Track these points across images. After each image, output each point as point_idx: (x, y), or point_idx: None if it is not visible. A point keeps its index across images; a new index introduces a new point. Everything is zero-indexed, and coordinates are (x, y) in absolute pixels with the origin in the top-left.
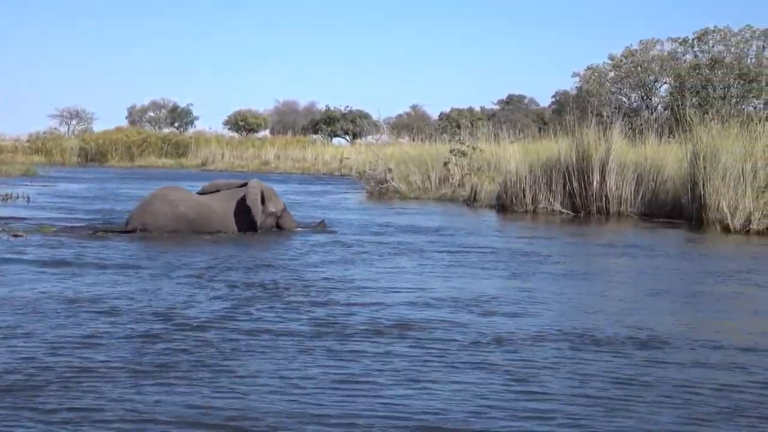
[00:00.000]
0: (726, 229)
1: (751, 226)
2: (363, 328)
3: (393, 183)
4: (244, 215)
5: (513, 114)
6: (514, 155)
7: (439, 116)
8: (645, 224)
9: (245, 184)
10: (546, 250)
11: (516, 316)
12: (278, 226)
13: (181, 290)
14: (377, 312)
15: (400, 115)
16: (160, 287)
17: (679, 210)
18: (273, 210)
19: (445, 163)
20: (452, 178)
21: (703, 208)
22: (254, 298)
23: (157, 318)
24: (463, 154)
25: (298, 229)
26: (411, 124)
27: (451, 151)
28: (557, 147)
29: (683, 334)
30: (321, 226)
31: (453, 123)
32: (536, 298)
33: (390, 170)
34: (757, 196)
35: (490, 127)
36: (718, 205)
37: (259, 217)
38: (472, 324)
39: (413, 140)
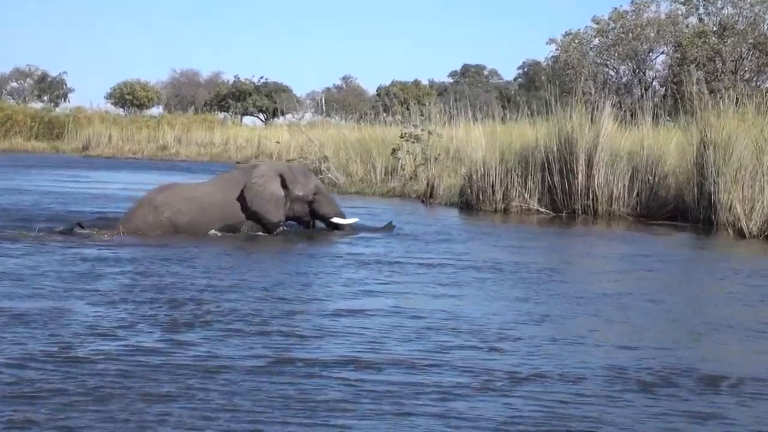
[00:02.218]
0: (740, 234)
1: None
2: (336, 370)
3: (330, 174)
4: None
5: (470, 89)
6: (480, 142)
7: (377, 91)
8: (643, 228)
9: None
10: (538, 260)
11: (532, 353)
12: (313, 214)
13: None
14: (356, 346)
15: (328, 89)
16: (69, 308)
17: (683, 210)
18: (300, 193)
19: (394, 151)
20: (402, 169)
21: (712, 208)
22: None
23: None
24: (417, 139)
25: (342, 221)
26: (342, 101)
27: (401, 136)
28: (534, 132)
29: (739, 369)
30: (388, 228)
31: (395, 100)
32: (548, 326)
33: (326, 158)
34: None
35: (443, 105)
36: (731, 205)
37: (273, 215)
38: (477, 360)
39: (345, 120)
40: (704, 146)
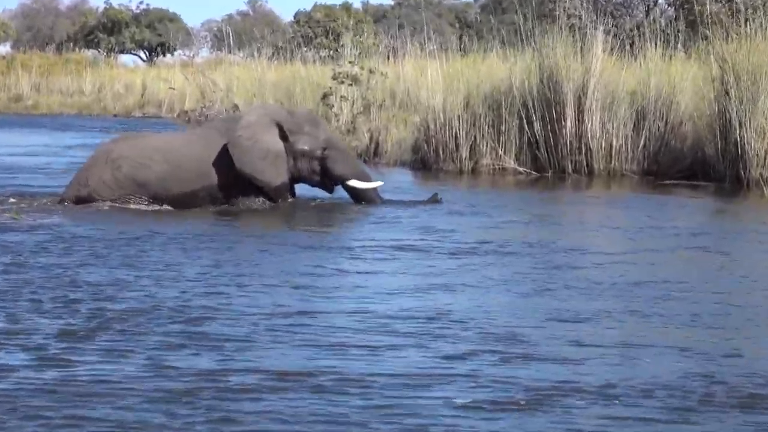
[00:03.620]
0: None
1: None
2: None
3: None
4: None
5: (417, 12)
6: (437, 82)
7: (294, 17)
8: (653, 189)
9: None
10: (533, 239)
11: (564, 360)
12: (326, 173)
13: None
14: (348, 353)
15: (230, 17)
16: None
17: (702, 165)
18: (306, 147)
19: (325, 96)
20: (337, 120)
21: (741, 161)
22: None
23: None
24: (354, 80)
25: (361, 185)
26: (249, 32)
27: (333, 77)
28: (507, 69)
29: None
30: (434, 200)
31: (318, 29)
32: (575, 327)
33: (236, 107)
34: None
35: (383, 35)
36: (765, 157)
37: (269, 175)
38: (497, 375)
39: (256, 56)
40: (728, 82)
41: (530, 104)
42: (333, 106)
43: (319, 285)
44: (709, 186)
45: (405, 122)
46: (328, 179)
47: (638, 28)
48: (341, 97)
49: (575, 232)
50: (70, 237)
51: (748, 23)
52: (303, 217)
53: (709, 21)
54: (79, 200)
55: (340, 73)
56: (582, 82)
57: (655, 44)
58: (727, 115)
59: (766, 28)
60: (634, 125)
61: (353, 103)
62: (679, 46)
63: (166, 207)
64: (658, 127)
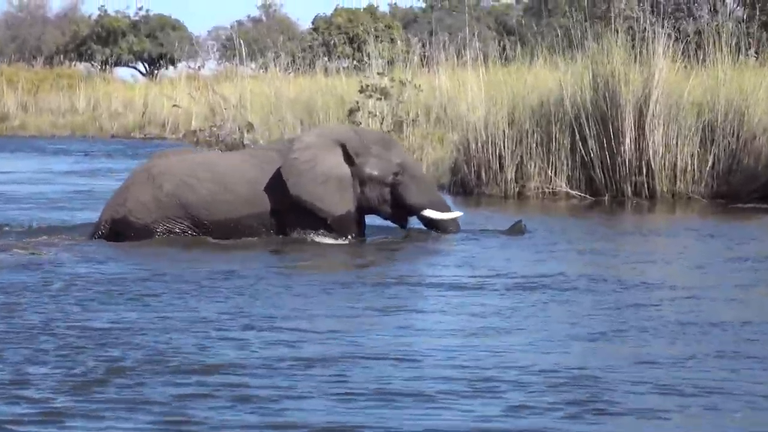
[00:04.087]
0: None
1: None
2: None
3: None
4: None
5: (450, 17)
6: (478, 94)
7: (313, 23)
8: (727, 214)
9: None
10: (603, 273)
11: (649, 411)
12: (398, 202)
13: None
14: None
15: (240, 23)
16: None
17: None
18: (375, 172)
19: (351, 112)
20: None
21: None
22: None
23: None
24: (384, 94)
25: (438, 216)
26: (262, 39)
27: (361, 90)
28: (557, 79)
29: None
30: (518, 229)
31: (341, 36)
32: (664, 374)
33: (251, 127)
34: None
35: (414, 42)
36: None
37: (330, 203)
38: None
39: (267, 69)
40: None
41: (583, 118)
42: (360, 123)
43: (361, 326)
44: None
45: (441, 141)
46: (400, 209)
47: (701, 33)
48: (369, 112)
49: (642, 264)
50: (81, 275)
51: None
52: (356, 250)
53: None
54: (115, 223)
55: (368, 85)
56: (643, 93)
57: (724, 49)
58: None
59: None
60: (702, 141)
61: (383, 120)
62: (751, 50)
63: (208, 235)
64: (729, 143)
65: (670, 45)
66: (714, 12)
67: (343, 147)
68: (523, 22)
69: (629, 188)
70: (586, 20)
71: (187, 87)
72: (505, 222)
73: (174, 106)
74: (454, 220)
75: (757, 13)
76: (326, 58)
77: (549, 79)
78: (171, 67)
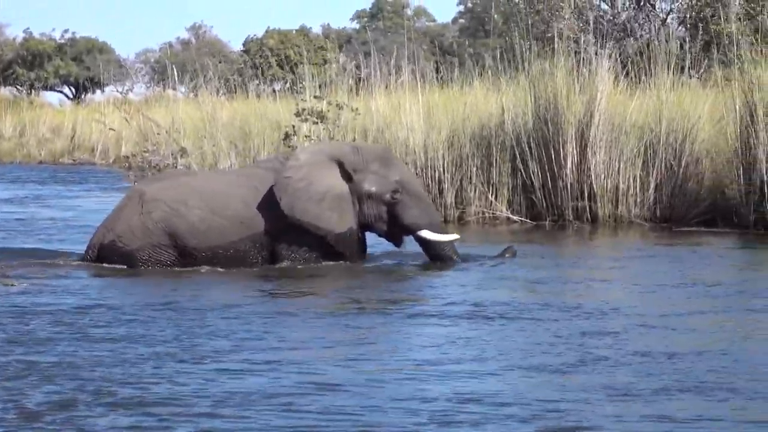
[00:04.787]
0: None
1: None
2: None
3: None
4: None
5: (386, 37)
6: (417, 118)
7: (244, 45)
8: (669, 239)
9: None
10: (557, 297)
11: None
12: (395, 221)
13: None
14: None
15: (169, 45)
16: None
17: (723, 210)
18: (372, 189)
19: (287, 136)
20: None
21: (766, 204)
22: None
23: None
24: (320, 117)
25: (434, 237)
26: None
27: (297, 114)
28: (498, 101)
29: None
30: (509, 254)
31: (273, 57)
32: (641, 406)
33: (184, 152)
34: None
35: (349, 63)
36: None
37: (328, 221)
38: None
39: (197, 93)
40: (752, 113)
41: (524, 142)
42: (296, 147)
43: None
44: (732, 233)
45: None
46: (397, 228)
47: (641, 54)
48: (305, 136)
49: (593, 290)
50: (64, 308)
51: None
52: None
53: (728, 42)
54: (102, 248)
55: (303, 109)
56: (585, 115)
57: (666, 70)
58: (753, 151)
59: None
60: (644, 164)
61: None
62: (693, 71)
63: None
64: (671, 165)
65: (612, 66)
66: (656, 31)
67: (340, 164)
68: (458, 43)
69: (570, 212)
70: (524, 41)
71: (118, 111)
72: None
73: (110, 129)
74: (450, 242)
75: (700, 33)
76: (257, 81)
77: (489, 101)
78: (98, 91)
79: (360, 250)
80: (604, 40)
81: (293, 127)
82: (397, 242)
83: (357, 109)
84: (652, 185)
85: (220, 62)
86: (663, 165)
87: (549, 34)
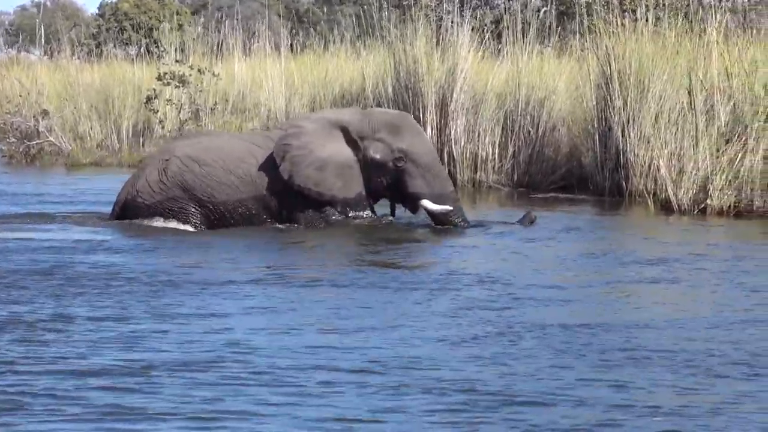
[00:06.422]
0: (667, 208)
1: (708, 201)
2: None
3: (52, 138)
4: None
5: (242, 5)
6: (279, 84)
7: (98, 9)
8: (525, 204)
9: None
10: (423, 263)
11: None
12: (400, 190)
13: None
14: None
15: (22, 9)
16: None
17: (579, 177)
18: (376, 156)
19: (149, 100)
20: (161, 126)
21: (620, 172)
22: None
23: None
24: (182, 82)
25: (433, 207)
26: (48, 26)
27: (159, 78)
28: (360, 68)
29: None
30: (529, 220)
31: (128, 22)
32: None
33: (45, 114)
34: (718, 151)
35: (206, 29)
36: (650, 167)
37: (330, 186)
38: None
39: (52, 56)
40: (609, 82)
41: (385, 107)
42: (157, 111)
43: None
44: (588, 199)
45: (240, 129)
46: (404, 197)
47: (498, 22)
48: (167, 100)
49: (455, 258)
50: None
51: (628, 14)
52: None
53: (585, 13)
54: (125, 205)
55: (165, 73)
56: (445, 83)
57: (522, 39)
58: (607, 120)
59: (652, 21)
60: (502, 130)
61: (180, 108)
62: (552, 41)
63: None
64: (529, 132)
65: (473, 35)
66: (510, 1)
67: (345, 131)
68: (314, 9)
69: None
70: (384, 8)
71: None
72: None
73: None
74: (457, 212)
75: (554, 3)
76: (112, 45)
77: (351, 69)
78: None
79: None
80: (465, 7)
81: (154, 90)
82: (412, 209)
83: (218, 74)
84: (511, 151)
85: (74, 26)
86: (521, 132)
87: (406, 2)
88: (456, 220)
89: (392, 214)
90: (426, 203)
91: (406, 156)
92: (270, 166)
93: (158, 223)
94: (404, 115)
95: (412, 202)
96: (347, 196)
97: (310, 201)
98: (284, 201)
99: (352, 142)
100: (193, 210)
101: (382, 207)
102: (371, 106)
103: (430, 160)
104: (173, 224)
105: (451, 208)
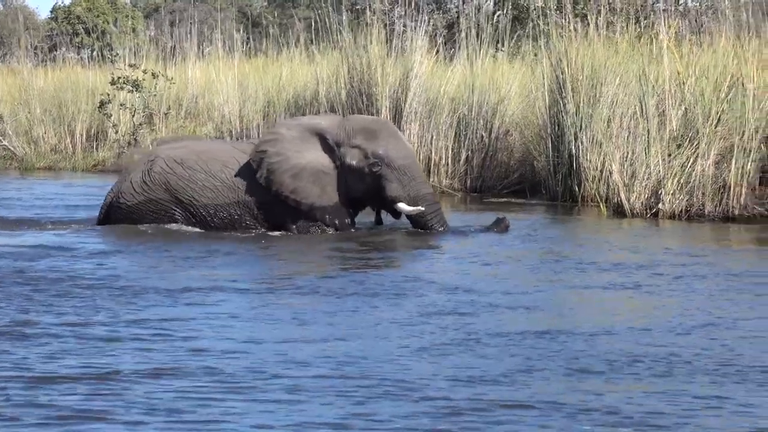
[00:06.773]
0: (619, 212)
1: (660, 206)
2: None
3: (6, 142)
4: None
5: (195, 8)
6: (232, 88)
7: (51, 13)
8: (477, 209)
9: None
10: (384, 270)
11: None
12: (380, 195)
13: None
14: None
15: None
16: None
17: (532, 181)
18: (352, 162)
19: (102, 104)
20: (116, 132)
21: (574, 176)
22: None
23: None
24: (136, 86)
25: (407, 209)
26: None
27: (112, 82)
28: (313, 72)
29: None
30: (503, 226)
31: (80, 25)
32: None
33: (0, 119)
34: (669, 155)
35: (160, 31)
36: (602, 172)
37: (306, 193)
38: None
39: (2, 59)
40: (560, 87)
41: (339, 112)
42: (111, 115)
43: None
44: (540, 204)
45: (194, 133)
46: (383, 201)
47: (451, 27)
48: (120, 105)
49: (410, 263)
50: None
51: (579, 20)
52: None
53: (539, 17)
54: (110, 207)
55: (119, 77)
56: (399, 88)
57: (478, 43)
58: (560, 124)
59: (605, 26)
60: (455, 136)
61: (134, 113)
62: (506, 45)
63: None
64: (482, 137)
65: (426, 39)
66: (463, 4)
67: (322, 137)
68: (267, 14)
69: None
70: (336, 12)
71: None
72: None
73: None
74: (434, 215)
75: (509, 8)
76: (64, 49)
77: (304, 73)
78: None
79: (346, 225)
80: (419, 13)
81: (108, 95)
82: (393, 214)
83: (172, 78)
84: (464, 156)
85: (27, 29)
86: (474, 137)
87: (359, 6)
88: (432, 223)
89: (377, 221)
90: (401, 206)
91: (382, 161)
92: (252, 172)
93: (141, 226)
94: (382, 121)
95: (390, 206)
96: (324, 204)
97: (289, 208)
98: (265, 207)
99: (329, 148)
100: (175, 212)
101: (369, 215)
102: (326, 112)
103: (407, 163)
104: (154, 226)
105: (423, 208)
